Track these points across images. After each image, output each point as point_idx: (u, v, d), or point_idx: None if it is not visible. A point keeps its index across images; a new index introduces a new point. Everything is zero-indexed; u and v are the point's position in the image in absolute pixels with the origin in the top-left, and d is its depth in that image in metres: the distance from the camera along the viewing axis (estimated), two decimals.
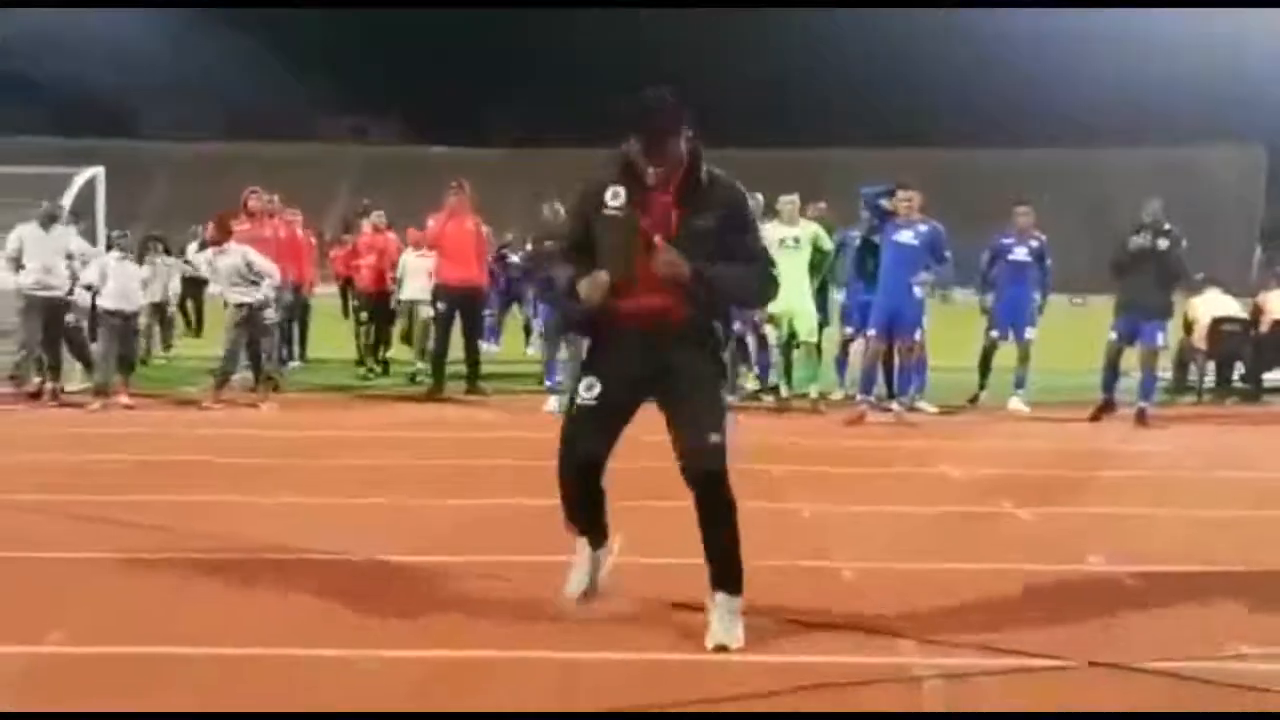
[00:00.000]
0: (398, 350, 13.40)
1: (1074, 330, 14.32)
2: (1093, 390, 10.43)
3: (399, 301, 12.80)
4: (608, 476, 4.12)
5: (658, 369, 3.98)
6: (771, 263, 4.18)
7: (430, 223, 11.54)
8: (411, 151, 59.44)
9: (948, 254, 9.89)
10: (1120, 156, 54.32)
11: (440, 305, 11.43)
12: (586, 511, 4.17)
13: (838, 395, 10.97)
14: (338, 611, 4.32)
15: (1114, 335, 10.19)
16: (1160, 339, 10.05)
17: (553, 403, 10.17)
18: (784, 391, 10.60)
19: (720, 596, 3.97)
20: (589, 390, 4.02)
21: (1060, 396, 11.25)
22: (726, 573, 3.98)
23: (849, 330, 11.03)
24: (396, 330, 13.22)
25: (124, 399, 10.18)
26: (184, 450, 8.02)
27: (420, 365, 12.28)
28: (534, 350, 14.36)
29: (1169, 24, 46.60)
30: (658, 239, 3.87)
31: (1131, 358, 10.20)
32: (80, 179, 11.65)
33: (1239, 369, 12.24)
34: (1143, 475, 7.83)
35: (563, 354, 10.43)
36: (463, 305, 11.37)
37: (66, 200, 11.35)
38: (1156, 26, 46.78)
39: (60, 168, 12.15)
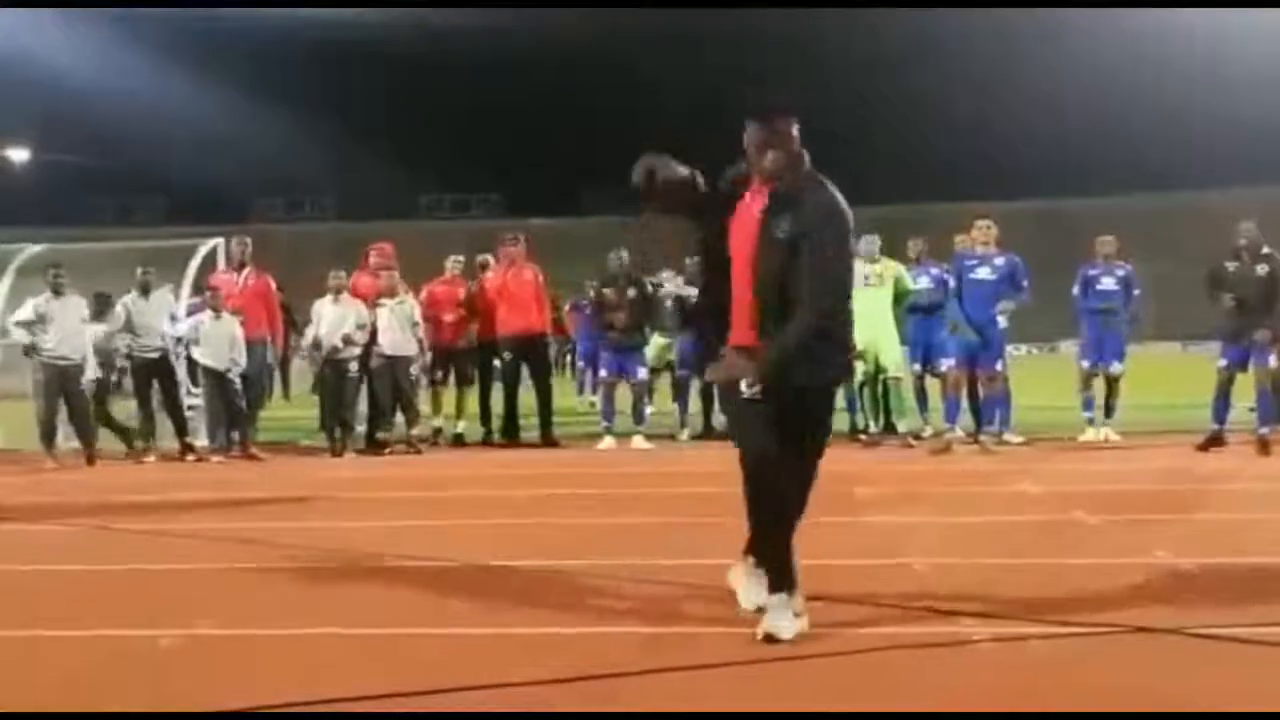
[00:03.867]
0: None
1: (1186, 371, 14.27)
2: (1194, 423, 10.31)
3: (380, 357, 11.08)
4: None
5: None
6: (832, 283, 4.12)
7: (489, 273, 11.89)
8: (511, 225, 60.92)
9: (1025, 283, 10.09)
10: (1234, 197, 53.16)
11: (506, 355, 11.53)
12: (771, 523, 4.17)
13: (928, 432, 11.14)
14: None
15: (1223, 363, 9.90)
16: (1273, 360, 9.66)
17: (608, 441, 11.14)
18: (873, 428, 10.86)
19: (771, 597, 4.12)
20: (751, 388, 4.09)
21: (1158, 427, 11.27)
22: (768, 568, 4.17)
23: (916, 367, 11.28)
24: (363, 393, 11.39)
25: (251, 451, 10.73)
26: (310, 487, 8.65)
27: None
28: (587, 394, 14.71)
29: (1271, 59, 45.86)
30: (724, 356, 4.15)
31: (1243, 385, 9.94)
32: (203, 249, 12.36)
33: None
34: (1225, 488, 7.94)
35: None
36: (527, 354, 11.57)
37: (191, 269, 12.16)
38: (1260, 62, 46.03)
39: (184, 240, 12.90)
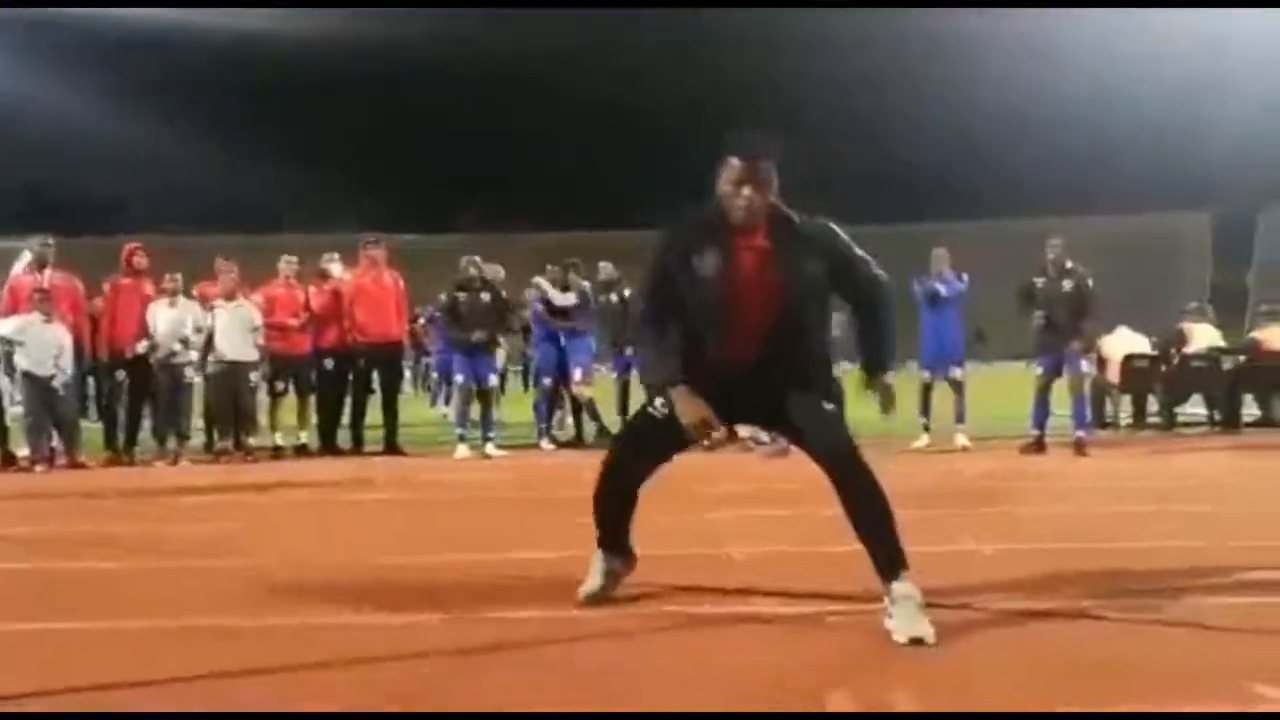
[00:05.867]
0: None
1: (1026, 384, 14.74)
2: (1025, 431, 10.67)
3: (218, 363, 10.81)
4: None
5: (751, 397, 4.09)
6: (884, 285, 4.25)
7: (335, 271, 11.74)
8: (377, 237, 59.88)
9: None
10: (1070, 225, 55.53)
11: (360, 361, 11.36)
12: (615, 518, 4.29)
13: (764, 436, 11.30)
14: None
15: (1040, 371, 10.46)
16: (1084, 365, 10.46)
17: (463, 449, 10.94)
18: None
19: (895, 585, 3.91)
20: (664, 406, 4.03)
21: (1000, 433, 11.66)
22: (887, 553, 3.98)
23: None
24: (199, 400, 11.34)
25: (78, 460, 10.36)
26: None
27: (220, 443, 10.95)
28: (440, 406, 14.46)
29: (1120, 95, 48.34)
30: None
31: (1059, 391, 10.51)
32: (26, 254, 11.46)
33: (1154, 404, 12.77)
34: (1038, 485, 8.33)
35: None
36: (381, 361, 11.43)
37: (17, 269, 11.52)
38: (1104, 97, 48.50)
39: (13, 241, 12.26)
